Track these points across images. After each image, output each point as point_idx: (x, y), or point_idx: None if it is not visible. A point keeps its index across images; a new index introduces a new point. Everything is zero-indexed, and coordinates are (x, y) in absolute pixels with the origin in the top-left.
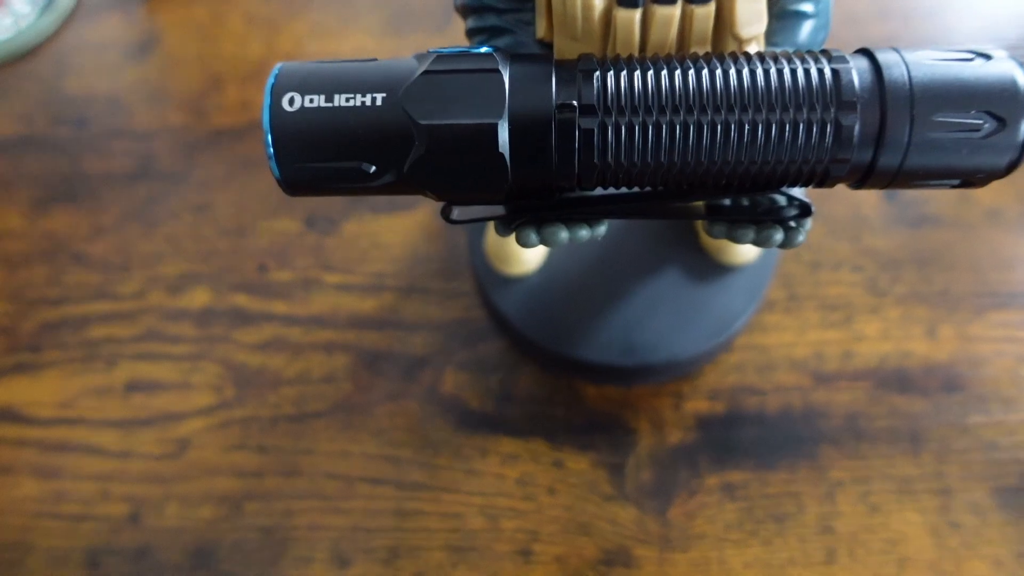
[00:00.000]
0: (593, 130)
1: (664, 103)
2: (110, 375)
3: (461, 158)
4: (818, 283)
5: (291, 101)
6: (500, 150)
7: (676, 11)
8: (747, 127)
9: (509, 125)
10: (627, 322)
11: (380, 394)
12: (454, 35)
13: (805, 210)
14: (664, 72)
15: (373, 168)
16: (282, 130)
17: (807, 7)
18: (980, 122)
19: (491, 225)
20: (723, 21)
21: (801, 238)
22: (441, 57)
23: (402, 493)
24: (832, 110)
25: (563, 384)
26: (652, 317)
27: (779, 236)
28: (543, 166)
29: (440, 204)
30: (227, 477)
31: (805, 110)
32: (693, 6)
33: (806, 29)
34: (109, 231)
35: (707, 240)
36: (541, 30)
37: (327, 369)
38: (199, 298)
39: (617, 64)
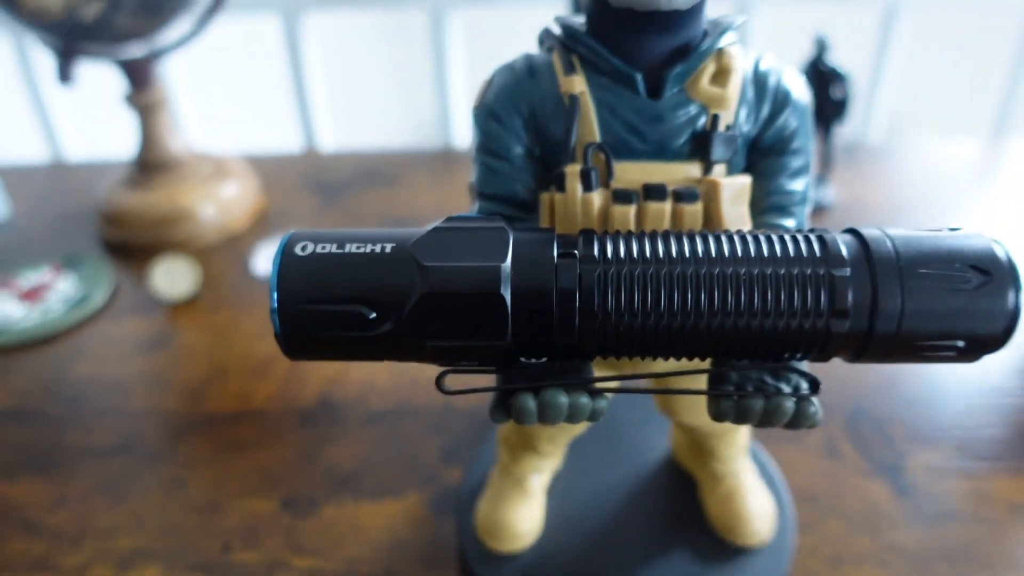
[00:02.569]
0: (592, 277)
1: (660, 256)
2: None
3: (461, 302)
4: None
5: (304, 248)
6: (501, 291)
7: (667, 207)
8: (743, 279)
9: (512, 268)
10: None
11: None
12: None
13: (813, 384)
14: (659, 236)
15: (373, 315)
16: (289, 270)
17: (789, 222)
18: (966, 275)
19: (483, 499)
20: (711, 220)
21: (814, 410)
22: (452, 218)
23: None
24: (824, 266)
25: None
26: None
27: (790, 405)
28: (543, 314)
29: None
30: None
31: (798, 265)
32: (682, 204)
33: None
34: (71, 502)
35: (717, 518)
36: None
37: None
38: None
39: (616, 233)
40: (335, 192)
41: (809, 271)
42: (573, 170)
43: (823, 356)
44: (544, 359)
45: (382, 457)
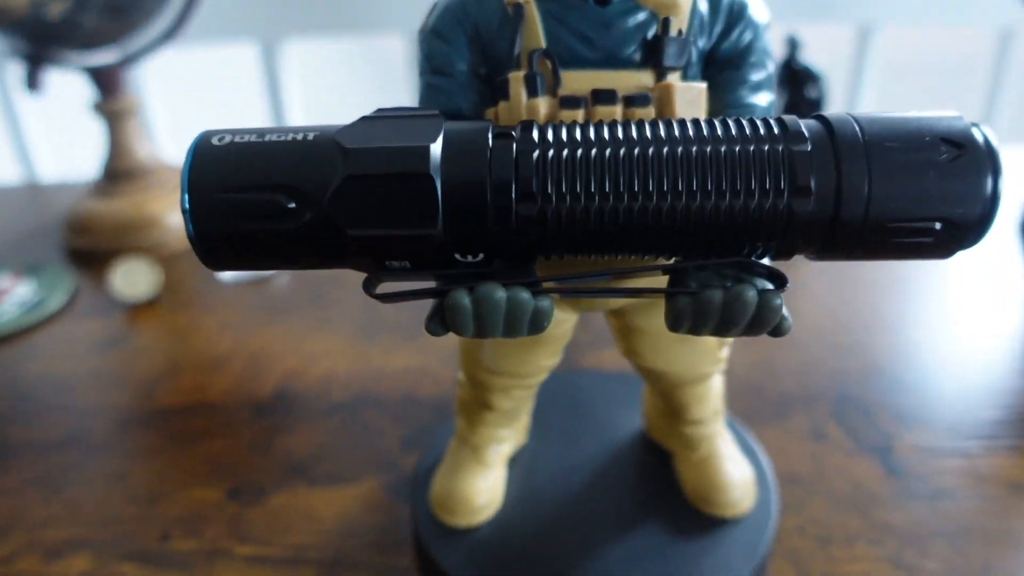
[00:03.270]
0: (531, 158)
1: (606, 138)
2: None
3: (386, 184)
4: (832, 560)
5: (220, 139)
6: (429, 172)
7: (618, 110)
8: (695, 158)
9: (442, 150)
10: None
11: None
12: (428, 345)
13: (778, 279)
14: (605, 123)
15: (292, 204)
16: (202, 159)
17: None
18: (938, 147)
19: (438, 472)
20: None
21: (779, 302)
22: (383, 109)
23: None
24: (783, 143)
25: None
26: (633, 571)
27: (751, 294)
28: (477, 196)
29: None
30: None
31: (754, 143)
32: (634, 108)
33: None
34: (4, 495)
35: (692, 487)
36: None
37: None
38: (76, 566)
39: (558, 123)
40: None
41: (767, 147)
42: (517, 76)
43: (786, 249)
44: (481, 256)
45: (339, 446)
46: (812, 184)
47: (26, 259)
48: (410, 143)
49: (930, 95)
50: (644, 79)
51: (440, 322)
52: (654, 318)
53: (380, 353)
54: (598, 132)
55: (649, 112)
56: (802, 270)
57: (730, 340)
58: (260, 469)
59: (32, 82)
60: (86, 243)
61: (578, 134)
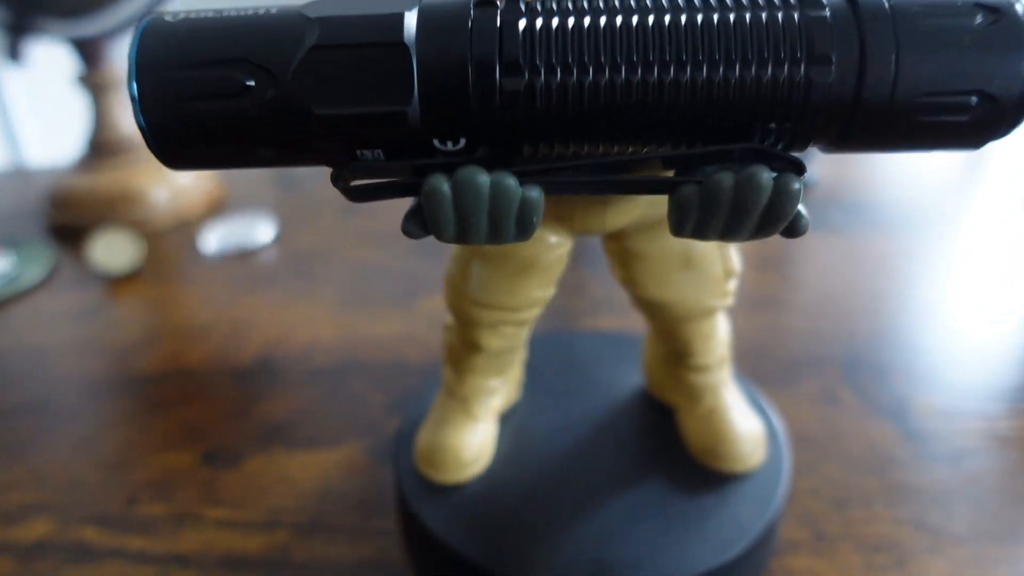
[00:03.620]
0: (517, 26)
1: (601, 7)
2: None
3: (356, 55)
4: (849, 522)
5: (176, 16)
6: (404, 40)
7: None
8: (700, 25)
9: (418, 18)
10: (599, 535)
11: None
12: (415, 312)
13: (794, 165)
14: None
15: (252, 81)
16: (153, 38)
17: None
18: (972, 12)
19: (423, 426)
20: None
21: (798, 187)
22: None
23: None
24: (798, 9)
25: None
26: (633, 528)
27: (766, 177)
28: (457, 70)
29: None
30: None
31: (767, 9)
32: None
33: None
34: None
35: (697, 441)
36: None
37: None
38: (36, 530)
39: None
40: (298, 183)
41: (780, 14)
42: None
43: (802, 133)
44: (463, 142)
45: (320, 410)
46: (832, 53)
47: (7, 236)
48: (382, 10)
49: None
50: None
51: (418, 220)
52: (656, 240)
53: (367, 321)
54: (592, 1)
55: None
56: (806, 239)
57: (736, 269)
58: (236, 434)
59: (14, 53)
60: (68, 218)
61: (570, 3)
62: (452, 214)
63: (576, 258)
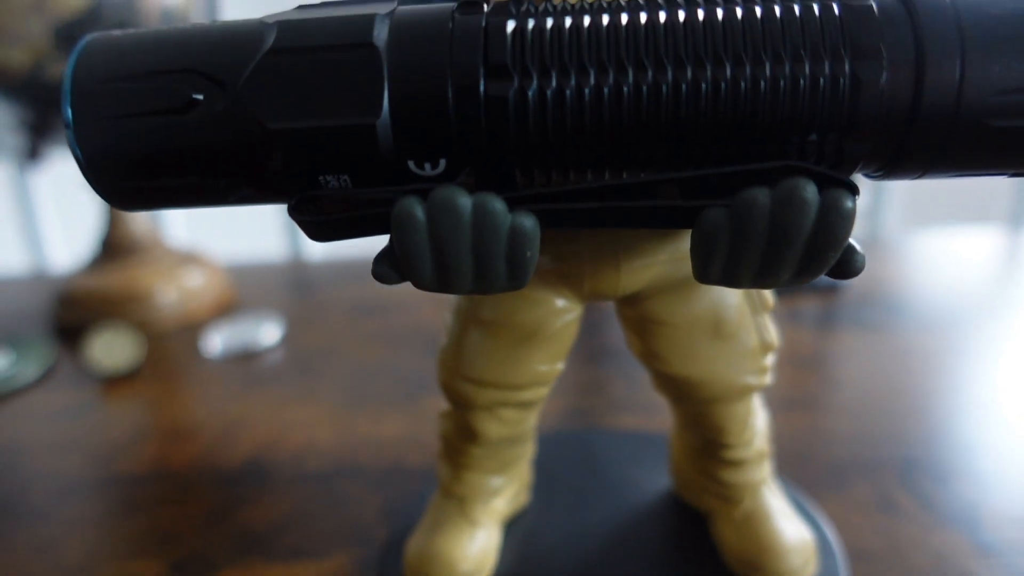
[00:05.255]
0: (504, 26)
1: (605, 4)
2: None
3: (318, 58)
4: None
5: (123, 31)
6: (372, 41)
7: None
8: (719, 18)
9: (391, 21)
10: None
11: None
12: (420, 412)
13: (845, 184)
14: None
15: (199, 93)
16: (92, 53)
17: None
18: None
19: (416, 531)
20: None
21: (851, 206)
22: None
23: None
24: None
25: None
26: None
27: (810, 193)
28: (435, 74)
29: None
30: None
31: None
32: None
33: None
34: None
35: (736, 551)
36: None
37: None
38: None
39: None
40: (311, 287)
41: (818, 6)
42: None
43: (848, 150)
44: (443, 165)
45: (308, 517)
46: (882, 45)
47: (9, 335)
48: (351, 12)
49: None
50: None
51: (391, 261)
52: (679, 304)
53: (367, 421)
54: (595, 1)
55: None
56: (841, 338)
57: (775, 342)
58: (212, 542)
59: (33, 152)
60: (74, 317)
61: (568, 3)
62: (428, 247)
63: (593, 356)
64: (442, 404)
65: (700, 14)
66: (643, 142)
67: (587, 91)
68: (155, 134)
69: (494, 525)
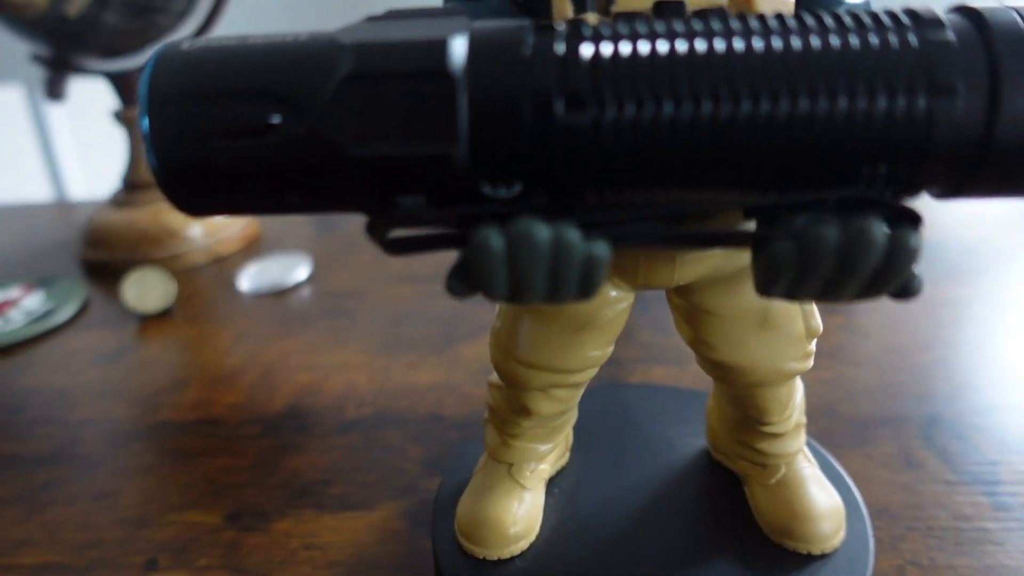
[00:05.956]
0: (579, 53)
1: (681, 31)
2: None
3: (395, 86)
4: None
5: (192, 44)
6: (448, 69)
7: None
8: (795, 49)
9: (467, 46)
10: None
11: None
12: (454, 359)
13: (910, 217)
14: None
15: (277, 116)
16: (167, 69)
17: None
18: None
19: (465, 494)
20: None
21: (917, 244)
22: (395, 10)
23: None
24: (916, 32)
25: None
26: None
27: (879, 232)
28: (510, 102)
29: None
30: None
31: (877, 32)
32: None
33: None
34: None
35: (769, 517)
36: None
37: None
38: None
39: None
40: (333, 219)
41: (895, 38)
42: None
43: (917, 176)
44: (518, 189)
45: (352, 467)
46: (959, 82)
47: (41, 272)
48: (426, 36)
49: None
50: None
51: (464, 278)
52: (729, 296)
53: (403, 368)
54: (668, 24)
55: None
56: None
57: (819, 328)
58: (262, 492)
59: (53, 90)
60: (101, 255)
61: (640, 26)
62: (505, 272)
63: None
64: (478, 358)
65: (776, 44)
66: (716, 168)
67: (662, 121)
68: (233, 154)
69: (540, 488)
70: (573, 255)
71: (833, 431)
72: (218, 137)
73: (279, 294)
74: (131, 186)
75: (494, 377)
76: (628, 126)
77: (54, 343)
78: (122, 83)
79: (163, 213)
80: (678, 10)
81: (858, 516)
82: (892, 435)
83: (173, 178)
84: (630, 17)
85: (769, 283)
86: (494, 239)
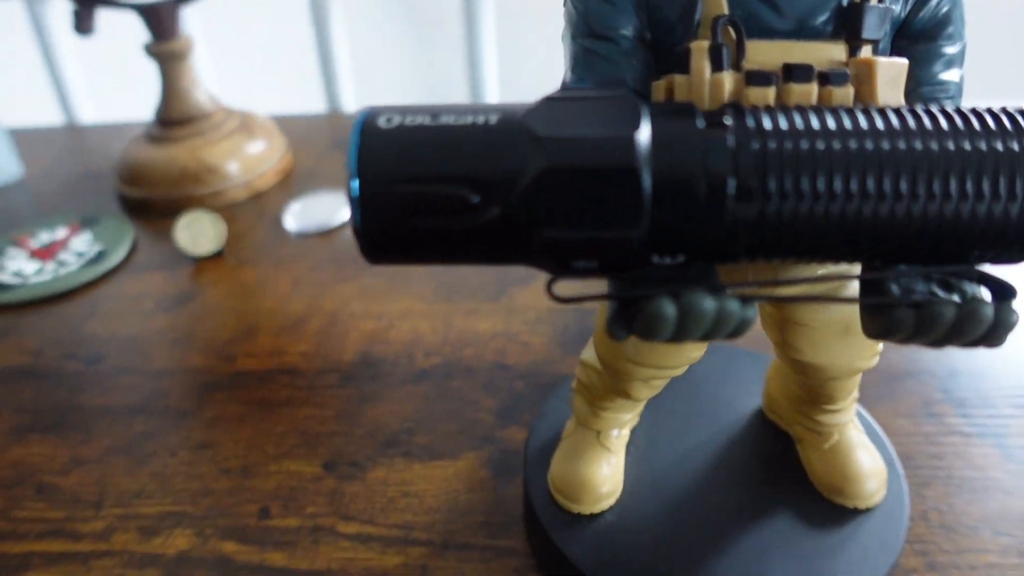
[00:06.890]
0: (749, 150)
1: (832, 129)
2: None
3: (587, 180)
4: (959, 550)
5: (388, 120)
6: (637, 166)
7: (813, 89)
8: (931, 154)
9: (648, 140)
10: (734, 573)
11: None
12: (510, 307)
13: (1005, 290)
14: (822, 108)
15: (477, 198)
16: (372, 146)
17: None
18: None
19: (557, 456)
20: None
21: (1016, 320)
22: (567, 87)
23: None
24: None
25: None
26: (765, 568)
27: (989, 312)
28: (689, 195)
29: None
30: None
31: (993, 139)
32: (830, 87)
33: None
34: (89, 464)
35: (823, 478)
36: None
37: None
38: (177, 542)
39: (767, 106)
40: None
41: (1015, 145)
42: (700, 46)
43: (1015, 259)
44: (679, 259)
45: (431, 417)
46: None
47: (78, 208)
48: (613, 132)
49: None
50: (836, 52)
51: (625, 326)
52: (818, 312)
53: (462, 315)
54: (821, 120)
55: (847, 92)
56: None
57: None
58: (352, 441)
59: (82, 24)
60: (141, 193)
61: (799, 121)
62: (672, 330)
63: None
64: (531, 306)
65: (917, 148)
66: (855, 248)
67: (817, 214)
68: (430, 226)
69: (622, 450)
70: (734, 320)
71: (864, 384)
72: (422, 215)
73: (326, 234)
74: (165, 122)
75: (587, 357)
76: (788, 216)
77: (110, 287)
78: (153, 17)
79: (201, 148)
80: (807, 73)
81: (895, 474)
82: (916, 388)
83: (374, 239)
84: (787, 110)
85: (882, 336)
86: (668, 309)
